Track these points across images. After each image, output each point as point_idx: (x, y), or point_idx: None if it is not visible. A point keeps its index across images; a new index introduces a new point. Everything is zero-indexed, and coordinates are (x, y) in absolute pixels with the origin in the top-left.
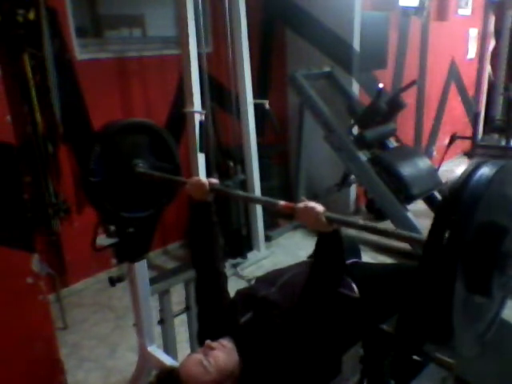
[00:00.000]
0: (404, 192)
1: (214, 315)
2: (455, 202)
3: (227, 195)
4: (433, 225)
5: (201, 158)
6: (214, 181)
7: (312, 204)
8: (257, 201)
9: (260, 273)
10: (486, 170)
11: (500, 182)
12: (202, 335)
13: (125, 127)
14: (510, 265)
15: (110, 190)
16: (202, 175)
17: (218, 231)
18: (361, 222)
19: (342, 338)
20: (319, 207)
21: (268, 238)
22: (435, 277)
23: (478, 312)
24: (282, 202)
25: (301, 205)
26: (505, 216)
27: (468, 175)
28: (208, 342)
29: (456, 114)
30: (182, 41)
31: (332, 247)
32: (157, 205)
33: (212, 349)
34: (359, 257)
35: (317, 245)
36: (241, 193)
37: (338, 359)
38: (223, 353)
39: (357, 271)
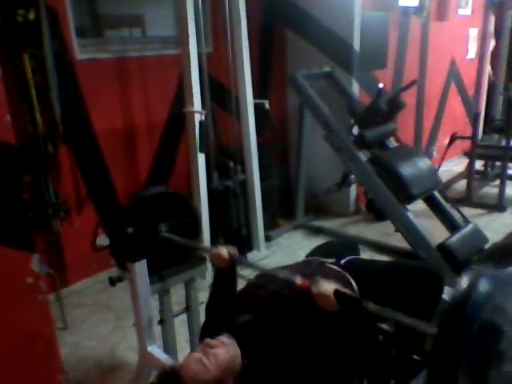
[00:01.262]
0: (404, 192)
1: (215, 314)
2: (456, 324)
3: (246, 265)
4: (434, 345)
5: (201, 158)
6: (233, 250)
7: (326, 290)
8: (276, 277)
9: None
10: (484, 288)
11: (496, 295)
12: (204, 335)
13: (152, 197)
14: (506, 363)
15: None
16: (202, 175)
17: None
18: (371, 305)
19: (342, 335)
20: (330, 290)
21: (268, 238)
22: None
23: None
24: (299, 280)
25: (315, 291)
26: (502, 320)
27: (468, 294)
28: (207, 340)
29: (456, 114)
30: (182, 41)
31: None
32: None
33: (212, 347)
34: (358, 255)
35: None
36: (260, 266)
37: (337, 358)
38: (223, 350)
39: (356, 268)
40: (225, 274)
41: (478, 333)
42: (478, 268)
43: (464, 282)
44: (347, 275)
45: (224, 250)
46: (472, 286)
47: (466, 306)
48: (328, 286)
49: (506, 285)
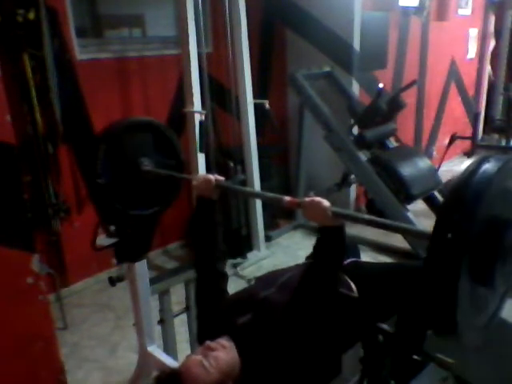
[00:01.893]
0: (404, 192)
1: (213, 315)
2: (459, 199)
3: (233, 191)
4: (437, 221)
5: (201, 158)
6: (220, 178)
7: (318, 199)
8: (261, 197)
9: (260, 273)
10: (489, 166)
11: (503, 176)
12: (202, 335)
13: (129, 126)
14: None
15: (116, 190)
16: None
17: (221, 231)
18: (366, 216)
19: (342, 337)
20: (325, 202)
21: (268, 238)
22: (441, 269)
23: (480, 303)
24: (288, 198)
25: (307, 199)
26: (508, 209)
27: (472, 171)
28: (208, 342)
29: (456, 114)
30: (182, 41)
31: (335, 242)
32: (162, 202)
33: (212, 349)
34: (358, 256)
35: (319, 239)
36: (247, 189)
37: (337, 359)
38: (223, 353)
39: (356, 271)
40: (209, 202)
41: (483, 222)
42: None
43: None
44: (347, 278)
45: (211, 177)
46: (474, 168)
47: (466, 193)
48: (322, 199)
49: None
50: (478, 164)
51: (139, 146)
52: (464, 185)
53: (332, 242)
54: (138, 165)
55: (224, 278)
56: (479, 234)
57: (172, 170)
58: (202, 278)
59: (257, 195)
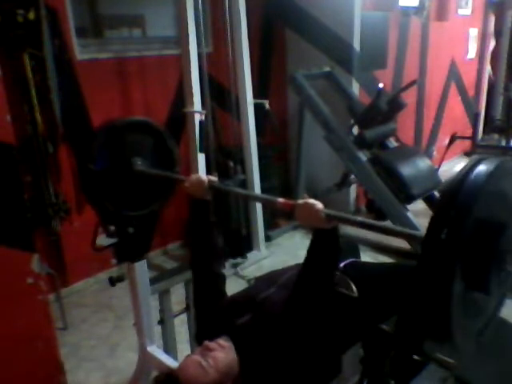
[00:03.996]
0: (404, 192)
1: (211, 316)
2: (453, 199)
3: (226, 192)
4: (431, 222)
5: (201, 158)
6: (213, 178)
7: (311, 201)
8: (256, 198)
9: (260, 273)
10: (483, 167)
11: (498, 178)
12: (200, 336)
13: (129, 123)
14: (508, 261)
15: (108, 185)
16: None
17: (217, 231)
18: (359, 218)
19: (341, 337)
20: (318, 204)
21: (268, 238)
22: (434, 273)
23: (476, 309)
24: (281, 200)
25: (300, 202)
26: (503, 212)
27: (466, 172)
28: (206, 342)
29: (456, 114)
30: (182, 41)
31: (329, 244)
32: (155, 203)
33: (210, 349)
34: (358, 256)
35: (312, 241)
36: (240, 190)
37: (337, 359)
38: (222, 353)
39: (355, 270)
40: (202, 203)
41: (476, 225)
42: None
43: (461, 167)
44: (347, 278)
45: (204, 177)
46: (467, 171)
47: (460, 192)
48: (315, 201)
49: (510, 171)
50: (472, 166)
51: (134, 146)
52: (457, 186)
53: (326, 245)
54: (130, 163)
55: (221, 278)
56: (473, 236)
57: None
58: (199, 279)
59: (250, 197)
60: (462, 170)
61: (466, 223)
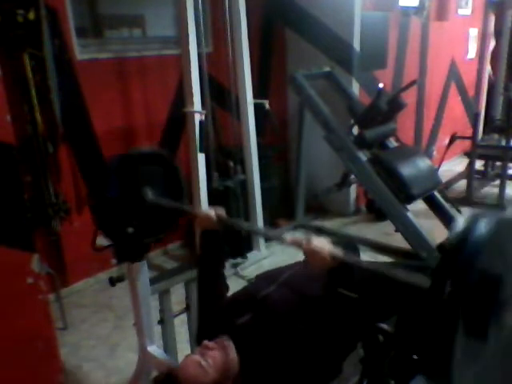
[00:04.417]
0: (404, 192)
1: (213, 316)
2: (452, 263)
3: (232, 226)
4: (432, 283)
5: (201, 158)
6: (220, 211)
7: (319, 244)
8: (264, 234)
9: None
10: (482, 227)
11: (496, 236)
12: (201, 336)
13: (141, 155)
14: (505, 310)
15: (120, 211)
16: (202, 175)
17: (225, 255)
18: (369, 263)
19: (342, 337)
20: (326, 246)
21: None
22: (438, 327)
23: (473, 354)
24: (289, 237)
25: (307, 247)
26: (501, 265)
27: (464, 233)
28: (205, 342)
29: (456, 114)
30: (182, 41)
31: (344, 280)
32: (164, 230)
33: (209, 349)
34: (358, 256)
35: (329, 282)
36: (245, 224)
37: (337, 359)
38: (221, 352)
39: (355, 270)
40: (211, 233)
41: (476, 282)
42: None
43: (461, 224)
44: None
45: (212, 212)
46: (469, 228)
47: (462, 251)
48: (323, 243)
49: (507, 227)
50: (471, 224)
51: (146, 176)
52: (457, 248)
53: (342, 281)
54: (141, 194)
55: (225, 293)
56: (474, 290)
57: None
58: (204, 299)
59: (259, 232)
60: (461, 228)
61: (467, 284)
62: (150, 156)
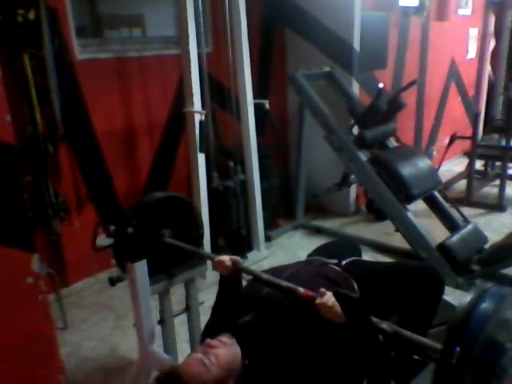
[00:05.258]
0: (404, 192)
1: (217, 316)
2: (460, 335)
3: (251, 275)
4: (442, 352)
5: (201, 158)
6: (236, 258)
7: (331, 301)
8: (277, 286)
9: None
10: (488, 303)
11: (500, 309)
12: (205, 335)
13: (159, 199)
14: (506, 379)
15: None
16: (202, 175)
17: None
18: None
19: (341, 336)
20: (332, 302)
21: (268, 238)
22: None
23: None
24: (302, 290)
25: (319, 300)
26: (505, 336)
27: (472, 308)
28: (208, 340)
29: (456, 114)
30: (182, 41)
31: (363, 330)
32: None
33: (212, 346)
34: (359, 255)
35: (350, 334)
36: (264, 275)
37: (338, 359)
38: (223, 350)
39: (357, 269)
40: (228, 280)
41: (481, 350)
42: (482, 284)
43: (467, 298)
44: (348, 276)
45: (227, 258)
46: (475, 304)
47: (469, 324)
48: (332, 298)
49: (510, 301)
50: (478, 300)
51: (164, 217)
52: (466, 320)
53: (360, 332)
54: (160, 235)
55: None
56: (479, 360)
57: (191, 234)
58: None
59: (272, 284)
60: (468, 303)
61: (473, 353)
62: (169, 199)
